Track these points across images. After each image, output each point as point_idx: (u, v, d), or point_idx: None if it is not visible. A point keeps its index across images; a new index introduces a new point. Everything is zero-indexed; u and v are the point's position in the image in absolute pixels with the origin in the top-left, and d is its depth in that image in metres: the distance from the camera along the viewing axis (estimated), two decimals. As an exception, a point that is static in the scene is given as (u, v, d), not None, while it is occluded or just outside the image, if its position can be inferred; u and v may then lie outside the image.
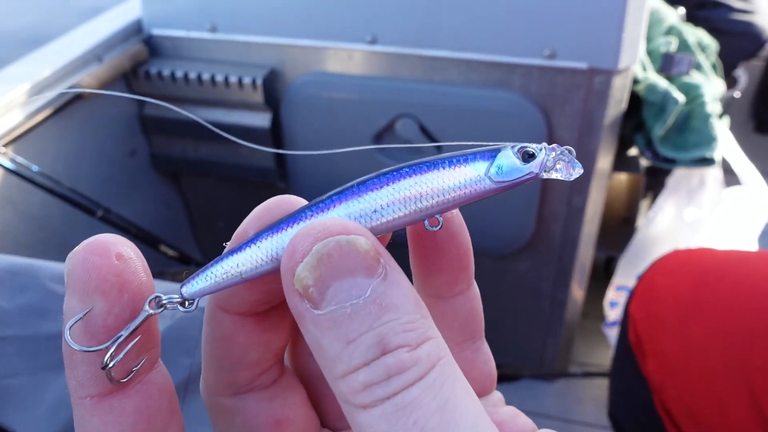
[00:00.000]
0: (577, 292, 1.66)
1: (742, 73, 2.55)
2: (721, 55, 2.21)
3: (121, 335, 0.23)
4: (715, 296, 0.84)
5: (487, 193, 0.25)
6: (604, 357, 1.94)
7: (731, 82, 2.63)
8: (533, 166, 0.25)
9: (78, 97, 1.30)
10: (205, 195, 1.75)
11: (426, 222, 0.26)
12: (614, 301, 1.69)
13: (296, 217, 0.25)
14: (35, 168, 1.19)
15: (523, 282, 1.66)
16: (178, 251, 1.46)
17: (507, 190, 0.25)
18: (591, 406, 1.81)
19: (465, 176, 0.25)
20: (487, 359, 0.33)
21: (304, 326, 0.23)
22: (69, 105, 1.30)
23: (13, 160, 1.15)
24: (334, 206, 0.25)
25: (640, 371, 0.86)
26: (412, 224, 0.26)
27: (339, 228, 0.23)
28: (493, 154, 0.26)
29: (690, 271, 0.90)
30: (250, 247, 0.25)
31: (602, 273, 2.05)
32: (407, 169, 0.25)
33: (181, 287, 0.25)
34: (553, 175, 0.26)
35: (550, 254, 1.58)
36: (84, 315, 0.23)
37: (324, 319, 0.22)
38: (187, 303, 0.25)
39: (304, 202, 0.26)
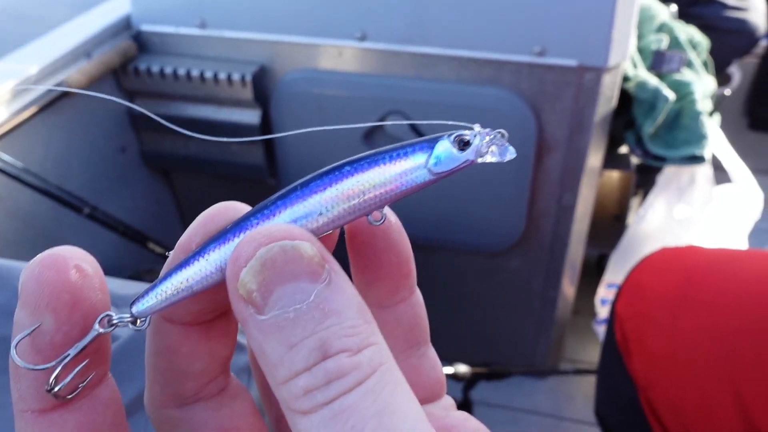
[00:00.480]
0: (568, 289, 1.66)
1: (735, 71, 2.55)
2: (714, 52, 2.21)
3: (68, 354, 0.23)
4: (701, 294, 0.83)
5: (427, 184, 0.26)
6: (595, 354, 1.94)
7: (724, 79, 2.64)
8: (469, 154, 0.26)
9: (66, 94, 1.29)
10: (196, 192, 1.74)
11: (369, 217, 0.26)
12: (605, 298, 1.69)
13: (242, 226, 0.25)
14: (22, 165, 1.19)
15: (514, 279, 1.66)
16: (167, 249, 1.46)
17: (444, 178, 0.26)
18: (582, 403, 1.81)
19: (405, 170, 0.25)
20: (434, 365, 0.32)
21: (249, 332, 0.23)
22: (57, 101, 1.29)
23: (0, 158, 1.15)
24: (280, 212, 0.25)
25: (626, 370, 0.86)
26: (356, 219, 0.26)
27: (283, 233, 0.23)
28: (431, 146, 0.26)
29: (677, 270, 0.90)
30: (198, 260, 0.25)
31: (594, 270, 2.05)
32: (349, 168, 0.26)
33: (131, 306, 0.25)
34: (488, 159, 0.26)
35: (541, 252, 1.58)
36: (32, 331, 0.23)
37: (267, 324, 0.22)
38: (138, 321, 0.25)
39: (248, 208, 0.26)
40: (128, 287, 0.53)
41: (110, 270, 0.69)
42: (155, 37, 1.48)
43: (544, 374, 1.85)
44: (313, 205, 0.25)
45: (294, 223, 0.25)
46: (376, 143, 1.47)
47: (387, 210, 0.28)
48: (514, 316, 1.74)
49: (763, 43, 2.43)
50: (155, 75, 1.46)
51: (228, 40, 1.44)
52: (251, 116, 1.49)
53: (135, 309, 0.25)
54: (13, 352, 0.22)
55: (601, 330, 1.67)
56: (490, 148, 0.26)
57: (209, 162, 1.59)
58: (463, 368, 1.34)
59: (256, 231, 0.23)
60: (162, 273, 0.26)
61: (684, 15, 2.18)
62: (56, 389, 0.23)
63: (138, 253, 1.47)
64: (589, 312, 1.97)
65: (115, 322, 0.24)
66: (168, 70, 1.45)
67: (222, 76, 1.42)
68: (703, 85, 1.44)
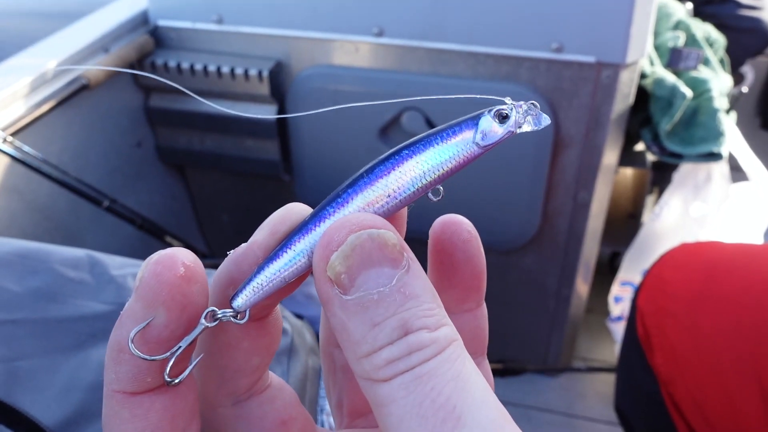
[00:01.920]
0: (582, 287, 1.66)
1: (748, 70, 2.53)
2: (728, 51, 2.20)
3: (180, 347, 0.25)
4: (724, 290, 0.83)
5: (476, 157, 0.28)
6: (608, 352, 1.94)
7: (738, 78, 2.62)
8: (509, 126, 0.28)
9: (84, 88, 1.30)
10: (211, 187, 1.75)
11: (430, 194, 0.28)
12: (619, 296, 1.68)
13: (320, 216, 0.27)
14: (42, 157, 1.19)
15: (528, 277, 1.66)
16: (183, 242, 1.46)
17: (489, 150, 0.28)
18: (594, 401, 1.81)
19: (457, 147, 0.28)
20: (488, 376, 0.34)
21: (332, 310, 0.25)
22: (75, 95, 1.29)
23: (20, 150, 1.15)
24: (352, 199, 0.27)
25: (647, 364, 0.85)
26: (419, 197, 0.28)
27: (370, 222, 0.25)
28: (475, 122, 0.28)
29: (699, 265, 0.89)
30: (286, 251, 0.27)
31: (607, 268, 2.04)
32: (407, 151, 0.28)
33: (231, 301, 0.27)
34: (525, 129, 0.28)
35: (555, 249, 1.58)
36: (146, 324, 0.25)
37: (352, 304, 0.24)
38: (239, 315, 0.27)
39: (309, 209, 0.29)
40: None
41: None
42: (172, 32, 1.49)
43: (557, 372, 1.85)
44: (380, 188, 0.27)
45: (366, 206, 0.27)
46: (391, 139, 1.47)
47: (470, 226, 0.32)
48: (527, 314, 1.73)
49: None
50: (172, 70, 1.47)
51: (245, 36, 1.44)
52: (267, 111, 1.49)
53: (235, 304, 0.27)
54: (130, 342, 0.24)
55: (614, 327, 1.67)
56: (527, 118, 0.29)
57: (224, 158, 1.60)
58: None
59: (346, 219, 0.25)
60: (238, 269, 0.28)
61: (698, 13, 2.17)
62: (176, 380, 0.26)
63: (154, 246, 1.47)
64: (601, 310, 1.96)
65: (219, 316, 0.27)
66: (185, 65, 1.45)
67: (239, 71, 1.43)
68: (720, 83, 1.43)
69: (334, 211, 0.27)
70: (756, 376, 0.75)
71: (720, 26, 2.16)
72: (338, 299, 0.25)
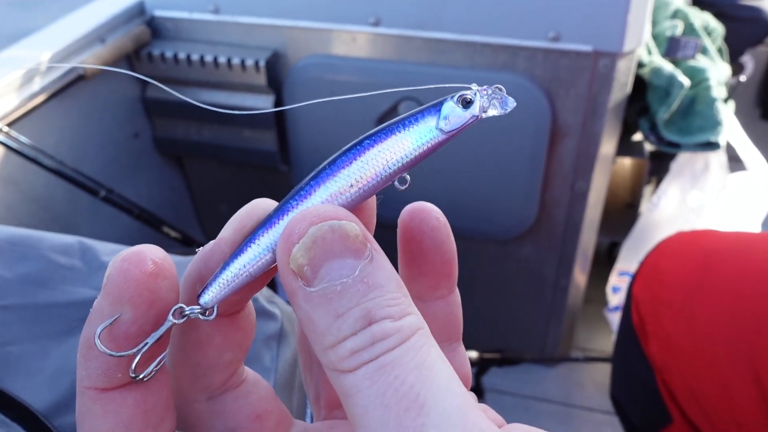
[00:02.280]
0: (580, 277, 1.66)
1: (748, 59, 2.53)
2: (728, 40, 2.19)
3: (147, 343, 0.25)
4: (720, 279, 0.83)
5: (441, 143, 0.28)
6: (605, 342, 1.94)
7: (737, 68, 2.61)
8: (473, 110, 0.28)
9: (81, 78, 1.30)
10: (209, 178, 1.75)
11: (396, 183, 0.28)
12: (617, 286, 1.69)
13: (284, 209, 0.27)
14: (39, 148, 1.19)
15: (525, 267, 1.66)
16: (181, 233, 1.46)
17: (455, 137, 0.28)
18: (592, 390, 1.81)
19: (419, 134, 0.28)
20: (463, 361, 0.35)
21: (297, 302, 0.25)
22: (72, 85, 1.29)
23: (16, 140, 1.15)
24: (314, 191, 0.27)
25: (643, 353, 0.86)
26: (384, 186, 0.28)
27: (331, 214, 0.25)
28: (437, 108, 0.28)
29: (695, 253, 0.89)
30: (250, 246, 0.27)
31: (605, 258, 2.04)
32: (368, 141, 0.28)
33: (198, 298, 0.27)
34: (491, 113, 0.28)
35: (553, 239, 1.58)
36: (113, 321, 0.25)
37: (316, 296, 0.24)
38: (207, 312, 0.27)
39: (275, 203, 0.29)
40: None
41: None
42: (169, 22, 1.48)
43: (555, 362, 1.85)
44: (343, 179, 0.27)
45: (329, 198, 0.27)
46: (389, 129, 1.47)
47: (438, 213, 0.32)
48: (525, 304, 1.74)
49: (776, 33, 2.41)
50: (169, 60, 1.46)
51: (241, 26, 1.44)
52: (264, 101, 1.49)
53: (202, 300, 0.27)
54: (96, 339, 0.25)
55: (612, 318, 1.67)
56: (492, 101, 0.29)
57: (222, 148, 1.60)
58: (475, 354, 1.35)
59: (306, 211, 0.25)
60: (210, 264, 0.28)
61: (697, 2, 2.17)
62: (142, 375, 0.26)
63: (151, 236, 1.47)
64: (599, 300, 1.96)
65: (186, 313, 0.27)
66: (182, 55, 1.45)
67: (235, 61, 1.43)
68: (718, 72, 1.43)
69: (297, 204, 0.27)
70: (751, 364, 0.75)
71: (719, 15, 2.15)
72: (302, 291, 0.25)
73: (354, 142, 0.28)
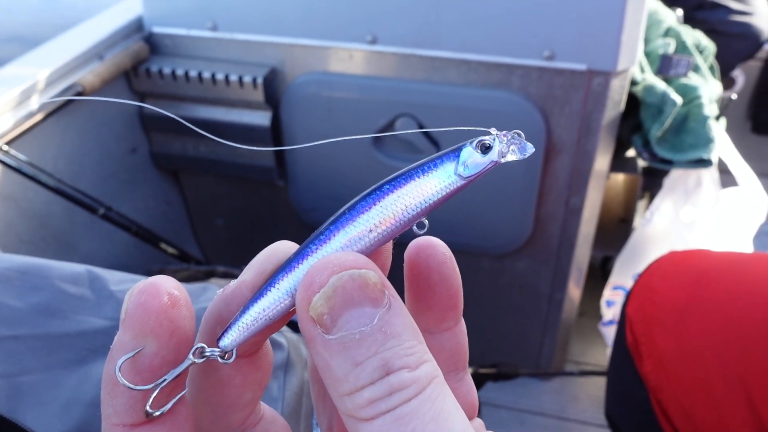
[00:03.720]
0: (574, 291, 1.67)
1: (739, 74, 2.56)
2: (719, 56, 2.21)
3: (165, 380, 0.26)
4: (711, 299, 0.84)
5: (460, 189, 0.28)
6: (600, 356, 1.96)
7: (729, 83, 2.65)
8: (492, 156, 0.28)
9: (79, 95, 1.30)
10: (205, 192, 1.75)
11: (414, 228, 0.29)
12: (610, 300, 1.70)
13: (303, 254, 0.28)
14: (38, 165, 1.20)
15: (520, 281, 1.67)
16: (178, 249, 1.47)
17: (474, 182, 0.28)
18: (587, 404, 1.82)
19: (438, 180, 0.28)
20: (469, 389, 0.35)
21: (315, 349, 0.26)
22: (70, 103, 1.30)
23: (15, 158, 1.16)
24: (334, 235, 0.28)
25: (637, 371, 0.87)
26: (403, 231, 0.28)
27: (352, 262, 0.26)
28: (456, 154, 0.28)
29: (686, 273, 0.91)
30: (270, 291, 0.27)
31: (598, 272, 2.06)
32: (388, 186, 0.28)
33: (218, 341, 0.27)
34: (510, 158, 0.29)
35: (548, 254, 1.59)
36: (134, 354, 0.25)
37: (334, 344, 0.25)
38: (226, 355, 0.28)
39: (295, 246, 0.29)
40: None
41: (122, 269, 0.70)
42: (167, 39, 1.50)
43: (550, 375, 1.86)
44: (362, 224, 0.27)
45: (348, 243, 0.27)
46: (385, 146, 1.48)
47: (445, 248, 0.32)
48: (520, 318, 1.75)
49: (766, 47, 2.44)
50: (167, 76, 1.47)
51: (239, 43, 1.45)
52: (262, 118, 1.50)
53: (222, 343, 0.27)
54: (117, 372, 0.25)
55: (606, 332, 1.68)
56: (510, 147, 0.29)
57: (219, 163, 1.61)
58: (472, 369, 1.35)
59: (327, 259, 0.26)
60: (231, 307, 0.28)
61: (689, 19, 2.19)
62: (157, 412, 0.26)
63: (149, 252, 1.48)
64: (593, 314, 1.98)
65: (207, 354, 0.27)
66: (179, 71, 1.46)
67: (233, 78, 1.44)
68: (709, 89, 1.45)
69: (317, 248, 0.27)
70: (742, 384, 0.76)
71: (710, 31, 2.18)
72: (321, 338, 0.25)
73: (373, 187, 0.28)
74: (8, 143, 1.16)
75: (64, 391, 0.42)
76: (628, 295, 0.94)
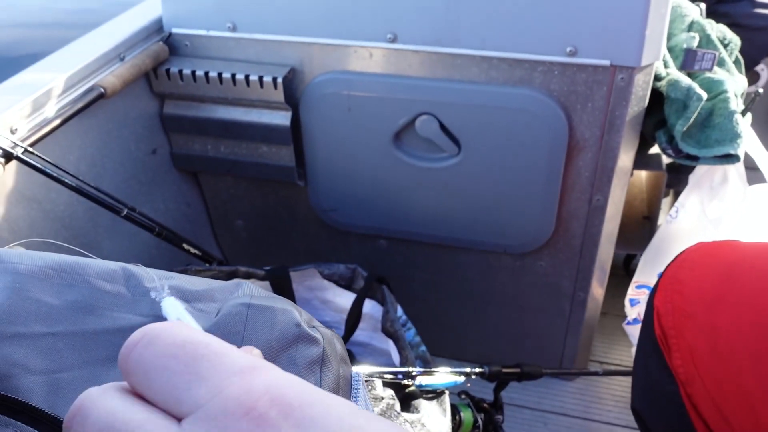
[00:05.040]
0: (597, 290, 1.66)
1: (763, 68, 2.53)
2: (743, 50, 2.18)
3: None
4: (740, 290, 0.83)
5: None
6: (624, 355, 1.94)
7: (753, 77, 2.62)
8: None
9: (101, 96, 1.31)
10: (225, 193, 1.75)
11: None
12: (634, 298, 1.68)
13: None
14: (62, 167, 1.20)
15: (543, 280, 1.65)
16: (200, 249, 1.47)
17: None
18: (611, 404, 1.80)
19: None
20: None
21: None
22: (92, 104, 1.30)
23: (39, 159, 1.16)
24: None
25: (666, 365, 0.85)
26: None
27: None
28: None
29: (716, 265, 0.89)
30: None
31: (621, 271, 2.04)
32: None
33: None
34: None
35: (570, 253, 1.58)
36: None
37: None
38: None
39: None
40: (195, 283, 0.54)
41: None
42: (186, 39, 1.50)
43: (573, 375, 1.85)
44: None
45: None
46: (405, 143, 1.48)
47: None
48: (543, 317, 1.73)
49: (791, 42, 2.40)
50: (186, 77, 1.48)
51: (259, 43, 1.45)
52: (281, 118, 1.50)
53: None
54: None
55: (630, 330, 1.66)
56: None
57: (239, 164, 1.61)
58: (495, 368, 1.34)
59: None
60: None
61: (712, 13, 2.17)
62: None
63: (170, 252, 1.48)
64: (616, 313, 1.96)
65: None
66: (199, 72, 1.46)
67: (253, 78, 1.44)
68: (735, 84, 1.43)
69: None
70: (778, 378, 0.75)
71: (734, 25, 2.15)
72: None
73: None
74: (31, 145, 1.17)
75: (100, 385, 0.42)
76: (655, 288, 0.93)
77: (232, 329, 0.46)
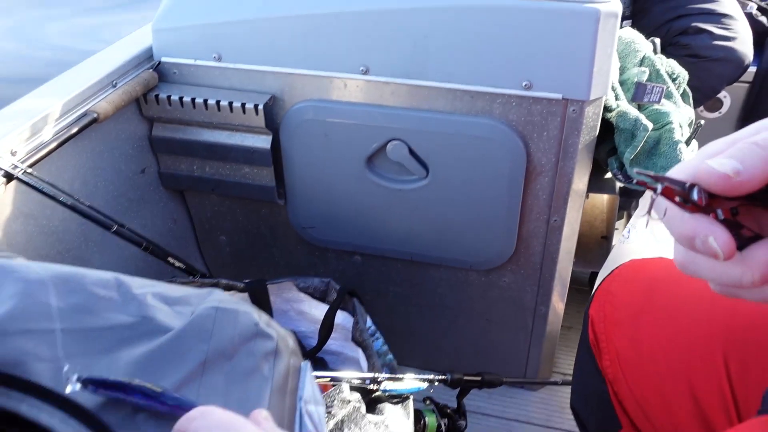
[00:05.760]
0: (558, 304, 1.77)
1: (725, 96, 2.67)
2: (704, 80, 2.31)
3: None
4: (661, 302, 0.94)
5: None
6: (585, 367, 2.04)
7: (716, 105, 2.76)
8: None
9: (94, 120, 1.41)
10: (210, 211, 1.86)
11: None
12: (593, 313, 1.79)
13: None
14: (57, 186, 1.31)
15: (507, 295, 1.77)
16: (184, 263, 1.57)
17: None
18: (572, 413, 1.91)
19: None
20: None
21: None
22: (86, 128, 1.41)
23: (37, 179, 1.26)
24: None
25: (598, 367, 0.97)
26: None
27: None
28: None
29: (642, 280, 1.01)
30: None
31: (587, 287, 2.16)
32: None
33: None
34: None
35: (532, 269, 1.69)
36: None
37: None
38: None
39: None
40: (175, 290, 0.64)
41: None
42: (175, 68, 1.61)
43: (536, 385, 1.95)
44: None
45: None
46: (378, 167, 1.59)
47: None
48: (507, 330, 1.84)
49: (751, 70, 2.54)
50: (174, 103, 1.59)
51: (242, 72, 1.56)
52: (263, 141, 1.61)
53: None
54: None
55: (588, 343, 1.77)
56: None
57: (223, 183, 1.71)
58: (457, 375, 1.45)
59: None
60: None
61: (673, 44, 2.30)
62: None
63: (157, 265, 1.58)
64: (580, 328, 2.07)
65: None
66: (186, 98, 1.57)
67: (236, 104, 1.55)
68: (680, 115, 1.55)
69: None
70: (687, 379, 0.86)
71: (694, 56, 2.28)
72: None
73: None
74: (30, 166, 1.27)
75: (97, 372, 0.52)
76: (591, 299, 1.04)
77: (203, 327, 0.57)
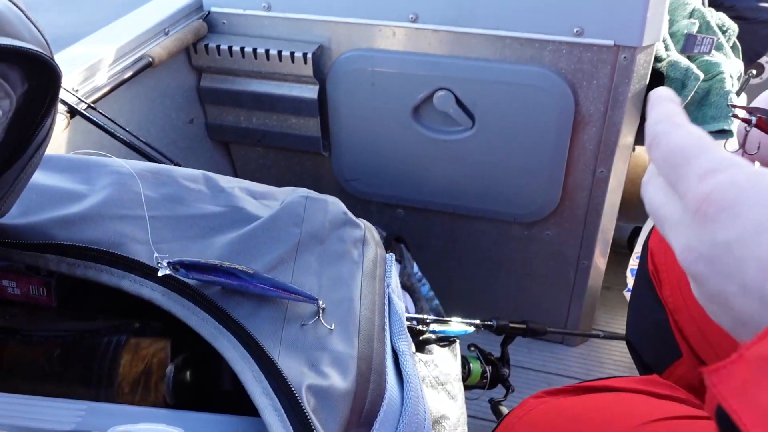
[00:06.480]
0: (600, 259, 1.77)
1: (767, 62, 2.61)
2: (747, 42, 2.27)
3: None
4: None
5: None
6: (624, 325, 2.05)
7: (758, 69, 2.70)
8: None
9: (149, 65, 1.44)
10: (254, 163, 1.88)
11: None
12: (635, 268, 1.79)
13: None
14: (117, 124, 1.34)
15: (549, 249, 1.77)
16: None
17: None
18: (612, 368, 1.92)
19: None
20: None
21: None
22: (140, 72, 1.44)
23: (100, 114, 1.30)
24: None
25: (657, 297, 0.97)
26: None
27: None
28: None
29: None
30: None
31: (625, 249, 2.15)
32: None
33: None
34: None
35: (575, 222, 1.69)
36: None
37: None
38: None
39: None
40: (260, 186, 0.67)
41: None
42: (224, 17, 1.63)
43: (576, 340, 1.96)
44: None
45: None
46: (424, 117, 1.60)
47: None
48: (549, 284, 1.85)
49: (795, 35, 2.48)
50: (223, 52, 1.61)
51: (290, 21, 1.58)
52: (310, 91, 1.63)
53: None
54: None
55: (629, 296, 1.77)
56: None
57: (269, 134, 1.74)
58: (503, 322, 1.46)
59: None
60: None
61: (717, 5, 2.26)
62: None
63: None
64: (618, 287, 2.07)
65: None
66: (235, 48, 1.59)
67: (285, 53, 1.56)
68: (731, 66, 1.53)
69: None
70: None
71: (739, 18, 2.24)
72: None
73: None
74: (94, 102, 1.31)
75: (192, 255, 0.55)
76: (651, 231, 1.05)
77: (295, 212, 0.59)
